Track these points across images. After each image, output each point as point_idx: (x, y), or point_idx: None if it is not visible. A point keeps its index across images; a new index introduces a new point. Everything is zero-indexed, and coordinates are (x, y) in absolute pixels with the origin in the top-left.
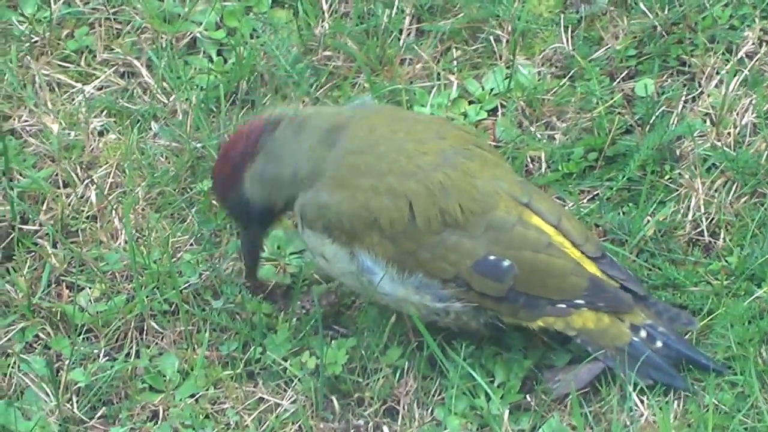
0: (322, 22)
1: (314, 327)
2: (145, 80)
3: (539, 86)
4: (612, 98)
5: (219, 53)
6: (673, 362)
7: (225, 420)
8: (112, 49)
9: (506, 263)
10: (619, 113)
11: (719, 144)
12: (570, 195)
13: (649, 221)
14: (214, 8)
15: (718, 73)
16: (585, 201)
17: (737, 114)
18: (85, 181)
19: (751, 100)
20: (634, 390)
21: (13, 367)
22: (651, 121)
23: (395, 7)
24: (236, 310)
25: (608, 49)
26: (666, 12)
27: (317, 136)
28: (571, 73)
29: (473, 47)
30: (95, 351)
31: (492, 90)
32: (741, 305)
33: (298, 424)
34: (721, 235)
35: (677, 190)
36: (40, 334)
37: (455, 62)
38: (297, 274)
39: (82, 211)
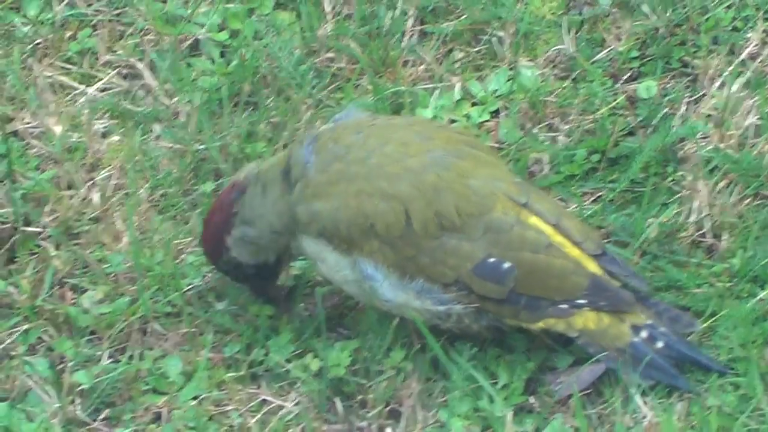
0: (325, 24)
1: (317, 329)
2: (148, 82)
3: (542, 88)
4: (615, 100)
5: (222, 55)
6: (675, 362)
7: (228, 422)
8: (115, 51)
9: (506, 265)
10: (621, 115)
11: (722, 146)
12: (573, 197)
13: (651, 223)
14: (217, 10)
15: (720, 74)
16: (588, 203)
17: (740, 116)
18: (88, 183)
19: (754, 102)
20: (637, 392)
21: (16, 369)
22: (654, 123)
23: (398, 9)
24: (239, 312)
25: (611, 51)
26: (668, 13)
27: (277, 185)
28: (573, 75)
29: (476, 49)
30: (98, 353)
31: (495, 92)
32: (744, 307)
33: (301, 426)
34: (724, 237)
35: (680, 192)
36: (43, 336)
37: (458, 64)
38: (300, 276)
39: (85, 213)
